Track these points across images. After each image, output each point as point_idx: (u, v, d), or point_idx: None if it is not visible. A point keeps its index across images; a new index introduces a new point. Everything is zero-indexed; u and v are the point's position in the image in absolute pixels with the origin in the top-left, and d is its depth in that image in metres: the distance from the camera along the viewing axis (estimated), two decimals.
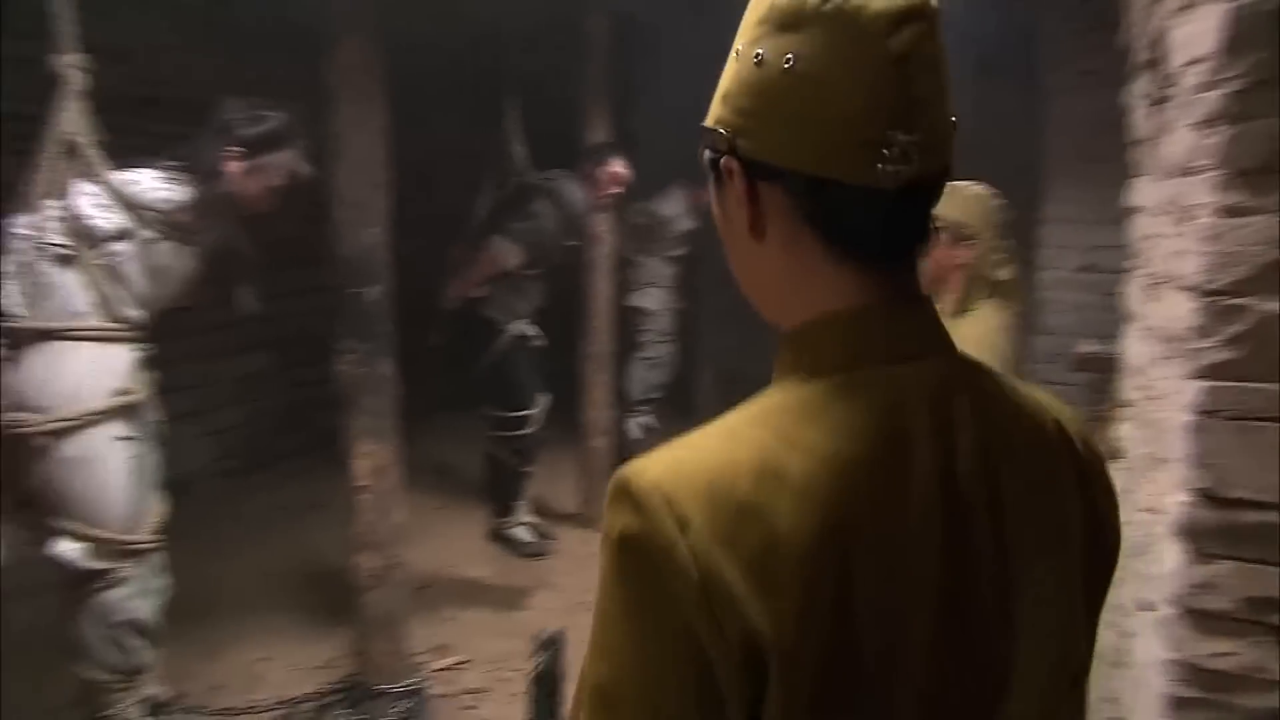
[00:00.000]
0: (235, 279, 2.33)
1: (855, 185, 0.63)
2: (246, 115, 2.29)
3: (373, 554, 2.78)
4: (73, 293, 2.06)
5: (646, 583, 0.59)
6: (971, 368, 0.70)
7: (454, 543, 4.36)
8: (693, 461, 0.61)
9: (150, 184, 2.13)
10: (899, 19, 0.61)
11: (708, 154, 0.71)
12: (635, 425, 5.21)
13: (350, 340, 2.70)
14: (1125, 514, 0.78)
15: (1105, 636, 1.11)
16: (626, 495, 0.61)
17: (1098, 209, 3.90)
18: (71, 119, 1.99)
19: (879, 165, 0.61)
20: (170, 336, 4.42)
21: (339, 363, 2.72)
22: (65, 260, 2.06)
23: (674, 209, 5.14)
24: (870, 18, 0.61)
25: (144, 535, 2.21)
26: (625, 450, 4.61)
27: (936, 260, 2.31)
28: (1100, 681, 1.77)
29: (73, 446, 2.05)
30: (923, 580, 0.61)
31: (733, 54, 0.68)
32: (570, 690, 0.73)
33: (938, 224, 1.72)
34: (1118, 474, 1.13)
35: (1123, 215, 2.22)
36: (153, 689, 2.31)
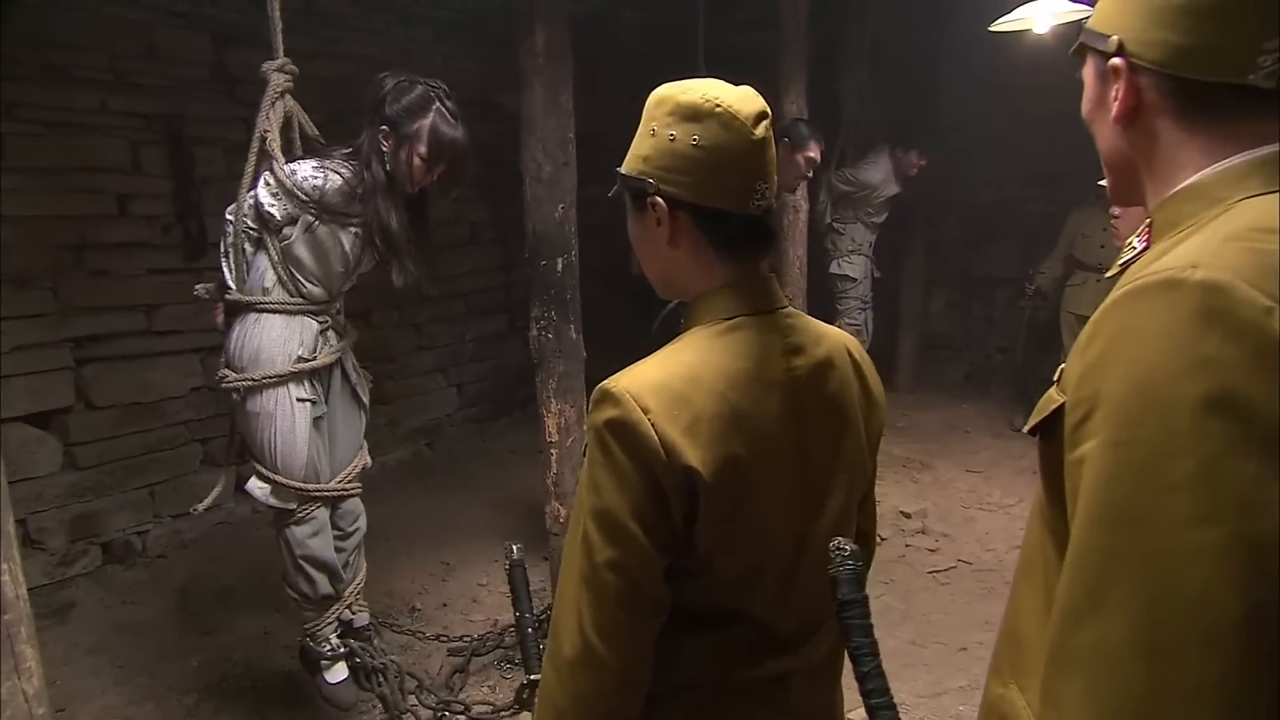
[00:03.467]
0: (398, 255, 2.15)
1: (738, 213, 0.97)
2: (388, 90, 2.07)
3: (560, 503, 2.76)
4: (263, 271, 2.15)
5: (626, 445, 0.89)
6: (797, 314, 1.03)
7: None
8: (645, 375, 0.92)
9: (306, 173, 2.05)
10: (758, 118, 0.95)
11: (628, 192, 1.01)
12: None
13: (539, 308, 2.66)
14: None
15: None
16: (607, 396, 0.91)
17: None
18: (265, 118, 2.04)
19: (753, 201, 0.97)
20: (421, 303, 4.75)
21: (531, 329, 2.69)
22: (257, 243, 2.16)
23: (879, 175, 4.69)
24: (743, 117, 0.94)
25: (325, 484, 2.25)
26: None
27: None
28: None
29: (259, 403, 2.14)
30: (781, 440, 0.96)
31: (647, 131, 0.98)
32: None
33: None
34: None
35: None
36: (347, 614, 2.39)
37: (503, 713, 2.49)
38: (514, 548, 1.36)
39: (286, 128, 2.12)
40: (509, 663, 2.85)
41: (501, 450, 5.03)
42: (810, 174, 3.89)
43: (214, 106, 3.73)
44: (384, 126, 2.07)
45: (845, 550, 0.87)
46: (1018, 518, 4.04)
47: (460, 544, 3.78)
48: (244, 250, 2.15)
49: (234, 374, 2.15)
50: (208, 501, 2.37)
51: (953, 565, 3.58)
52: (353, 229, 2.14)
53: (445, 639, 2.87)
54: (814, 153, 3.78)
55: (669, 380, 0.90)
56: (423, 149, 2.07)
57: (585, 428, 0.94)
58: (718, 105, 0.93)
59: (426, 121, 2.06)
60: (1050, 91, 5.02)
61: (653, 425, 0.87)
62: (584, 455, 0.98)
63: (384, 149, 2.08)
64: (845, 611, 0.85)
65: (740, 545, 0.94)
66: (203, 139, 3.69)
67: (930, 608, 3.25)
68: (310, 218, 2.09)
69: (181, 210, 3.63)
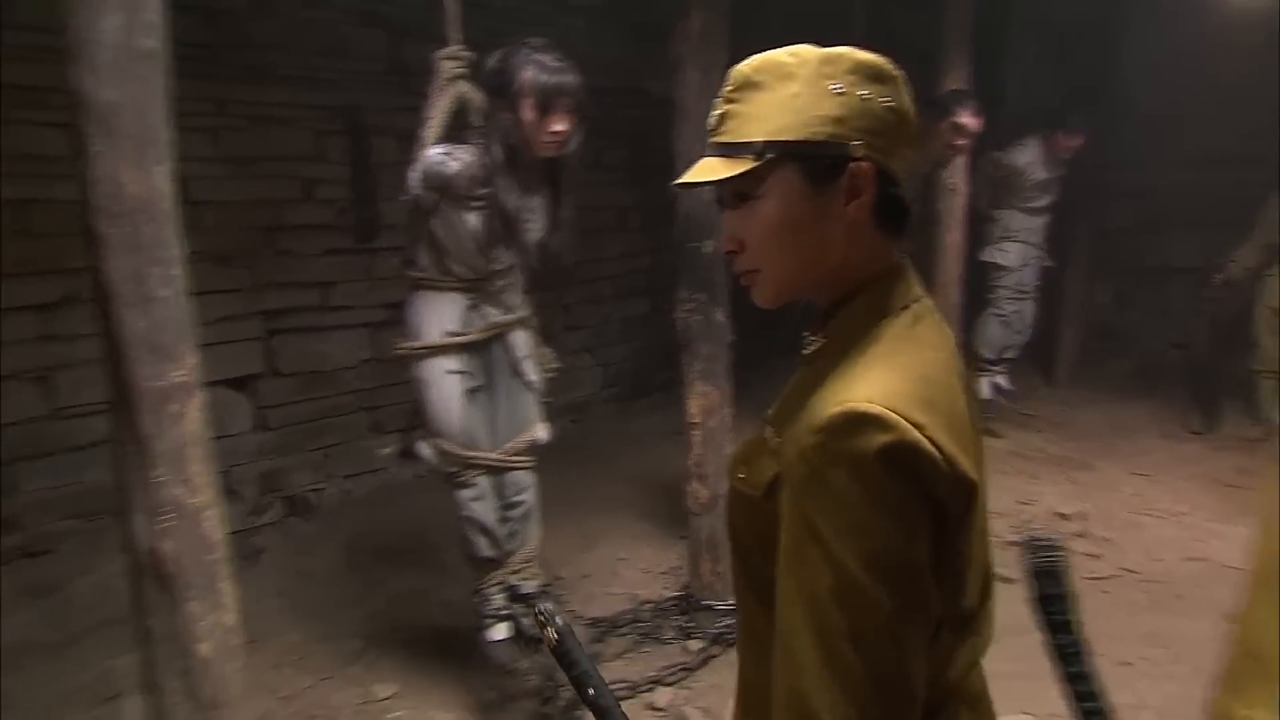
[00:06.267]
0: (515, 236, 2.16)
1: (903, 184, 0.86)
2: (493, 64, 2.06)
3: (701, 484, 2.74)
4: (420, 250, 2.25)
5: (904, 473, 0.73)
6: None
7: None
8: (890, 387, 0.76)
9: (435, 158, 2.07)
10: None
11: (802, 163, 0.82)
12: (986, 384, 4.55)
13: (687, 290, 2.64)
14: None
15: None
16: (868, 419, 0.73)
17: None
18: (431, 104, 2.11)
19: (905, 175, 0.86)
20: (571, 283, 4.85)
21: (678, 311, 2.68)
22: (415, 223, 2.24)
23: (1029, 158, 4.34)
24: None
25: (484, 453, 2.32)
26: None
27: None
28: None
29: (418, 371, 2.26)
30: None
31: (822, 91, 0.81)
32: None
33: None
34: None
35: None
36: (515, 580, 2.46)
37: (640, 689, 2.51)
38: (550, 612, 0.95)
39: (461, 113, 2.19)
40: (646, 637, 2.88)
41: (640, 430, 5.07)
42: (961, 144, 3.52)
43: (389, 97, 3.93)
44: (498, 100, 2.07)
45: (1049, 541, 0.80)
46: (1190, 527, 3.66)
47: (604, 518, 3.84)
48: (413, 228, 2.25)
49: (403, 343, 2.29)
50: (389, 450, 2.52)
51: (1116, 574, 3.29)
52: (477, 210, 2.16)
53: (582, 618, 2.93)
54: (964, 119, 3.45)
55: (912, 386, 0.77)
56: (530, 100, 2.03)
57: (822, 461, 0.74)
58: (896, 69, 0.84)
59: (526, 74, 2.03)
60: (1246, 56, 4.50)
61: (933, 442, 0.74)
62: (789, 489, 0.78)
63: (506, 123, 2.08)
64: (1050, 607, 0.79)
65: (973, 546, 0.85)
66: (378, 128, 3.91)
67: (1089, 617, 2.98)
68: (438, 200, 2.14)
69: (358, 195, 3.86)
